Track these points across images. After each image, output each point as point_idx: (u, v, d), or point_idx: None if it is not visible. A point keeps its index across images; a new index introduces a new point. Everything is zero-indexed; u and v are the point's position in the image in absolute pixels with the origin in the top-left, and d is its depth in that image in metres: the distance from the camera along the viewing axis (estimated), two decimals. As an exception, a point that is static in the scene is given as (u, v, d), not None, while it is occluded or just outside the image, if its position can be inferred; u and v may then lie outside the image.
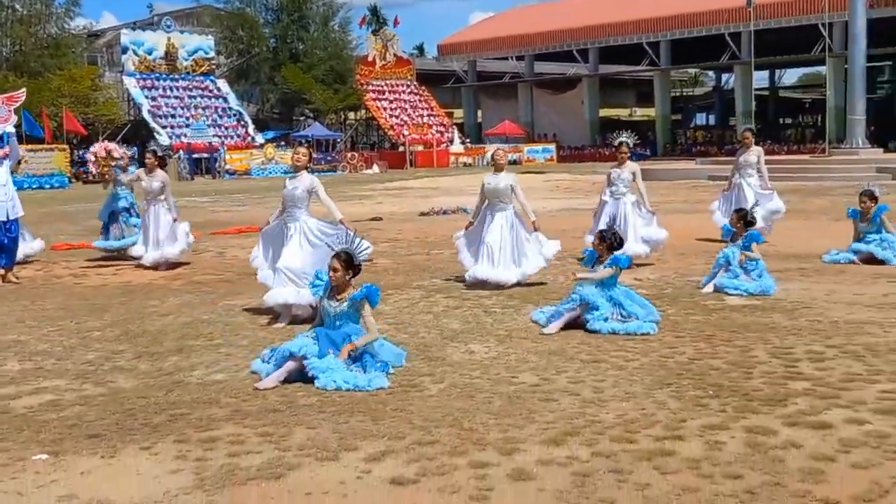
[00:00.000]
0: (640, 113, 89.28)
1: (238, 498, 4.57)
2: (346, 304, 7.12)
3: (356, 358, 6.81)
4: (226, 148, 49.91)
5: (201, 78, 56.53)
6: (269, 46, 62.10)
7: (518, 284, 10.72)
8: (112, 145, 14.23)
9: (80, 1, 54.03)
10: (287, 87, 59.12)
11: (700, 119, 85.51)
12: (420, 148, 60.28)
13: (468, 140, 64.05)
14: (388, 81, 64.54)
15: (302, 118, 66.68)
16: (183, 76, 55.49)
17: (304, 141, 51.90)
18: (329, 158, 53.25)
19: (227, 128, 54.37)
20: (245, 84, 62.34)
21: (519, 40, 67.46)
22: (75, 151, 45.73)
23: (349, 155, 55.14)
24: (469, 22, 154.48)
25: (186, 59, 56.07)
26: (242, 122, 55.51)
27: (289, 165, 49.93)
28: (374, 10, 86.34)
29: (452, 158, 59.65)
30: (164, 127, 51.25)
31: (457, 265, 12.18)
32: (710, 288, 10.10)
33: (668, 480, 4.68)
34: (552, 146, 62.74)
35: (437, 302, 10.00)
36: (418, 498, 4.56)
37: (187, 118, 52.89)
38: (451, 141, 62.24)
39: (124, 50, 53.88)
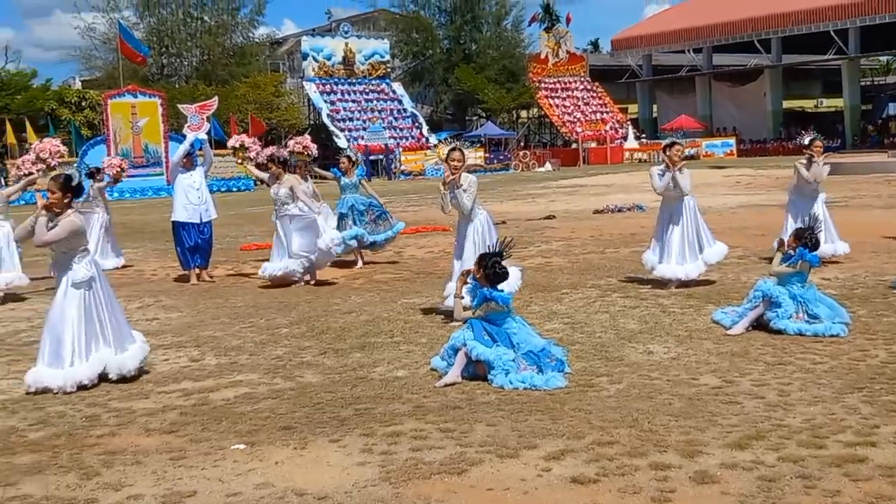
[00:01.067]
0: (827, 104, 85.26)
1: (423, 491, 4.71)
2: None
3: (532, 358, 6.85)
4: (401, 149, 50.99)
5: (377, 81, 57.95)
6: (443, 48, 62.95)
7: (695, 283, 10.50)
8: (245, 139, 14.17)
9: (264, 10, 56.37)
10: (460, 88, 59.78)
11: (893, 109, 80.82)
12: (593, 144, 59.69)
13: (644, 136, 62.89)
14: (560, 78, 64.23)
15: (474, 118, 67.28)
16: (360, 80, 57.05)
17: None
18: (501, 157, 53.51)
19: (401, 129, 55.53)
20: (419, 86, 63.46)
21: (696, 32, 65.66)
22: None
23: (521, 153, 55.23)
24: (643, 15, 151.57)
25: (363, 64, 57.61)
26: (417, 124, 56.55)
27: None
28: (546, 8, 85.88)
29: (627, 154, 58.79)
30: (342, 130, 52.86)
31: (633, 263, 12.06)
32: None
33: (859, 488, 4.50)
34: (732, 140, 60.72)
35: (613, 301, 9.92)
36: (599, 497, 4.57)
37: (364, 121, 54.33)
38: (626, 137, 61.30)
39: (304, 56, 55.91)
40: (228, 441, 5.71)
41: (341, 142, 50.74)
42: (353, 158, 14.90)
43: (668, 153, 10.77)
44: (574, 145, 59.44)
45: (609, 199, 24.72)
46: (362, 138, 51.68)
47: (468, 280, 7.37)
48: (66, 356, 7.05)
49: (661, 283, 10.57)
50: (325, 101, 54.57)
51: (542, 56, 64.44)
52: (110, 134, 41.01)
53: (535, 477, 4.85)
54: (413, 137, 54.97)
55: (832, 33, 58.33)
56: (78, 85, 54.75)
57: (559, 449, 5.23)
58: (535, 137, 67.13)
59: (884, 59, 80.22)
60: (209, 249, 13.43)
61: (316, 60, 55.85)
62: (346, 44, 57.15)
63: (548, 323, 8.82)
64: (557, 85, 63.90)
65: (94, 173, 15.36)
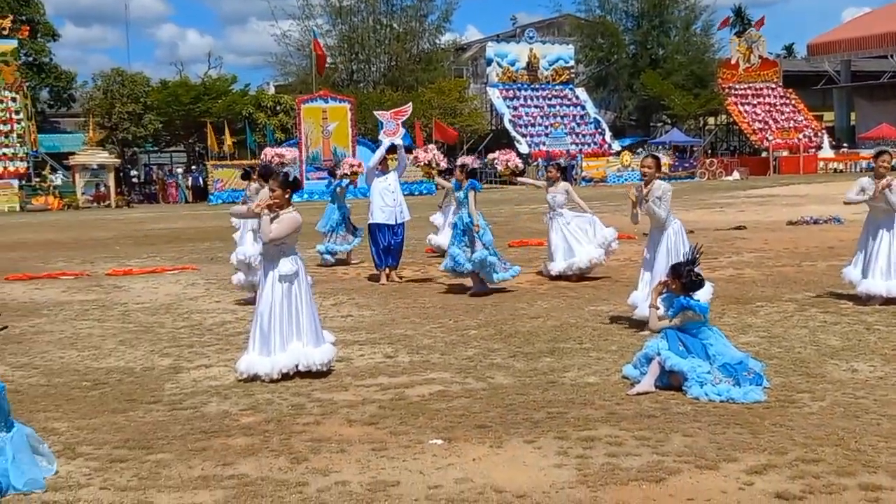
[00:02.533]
0: None
1: (621, 496, 4.71)
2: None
3: (729, 370, 6.69)
4: (583, 155, 50.70)
5: (560, 87, 57.81)
6: (629, 53, 62.16)
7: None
8: (281, 150, 14.54)
9: (451, 17, 57.30)
10: (645, 94, 58.86)
11: None
12: (785, 153, 57.51)
13: (845, 145, 60.04)
14: (751, 85, 62.15)
15: (659, 124, 66.07)
16: (543, 86, 57.08)
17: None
18: (687, 165, 52.32)
19: (584, 135, 55.15)
20: (602, 91, 62.89)
21: (900, 36, 62.12)
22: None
23: (708, 161, 53.82)
24: (842, 19, 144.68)
25: (547, 69, 57.62)
26: (600, 130, 56.04)
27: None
28: (738, 11, 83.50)
29: (821, 164, 56.35)
30: (523, 136, 53.06)
31: (833, 278, 11.58)
32: None
33: None
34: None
35: (812, 316, 9.56)
36: (805, 516, 4.44)
37: (546, 127, 54.34)
38: (820, 146, 58.72)
39: (489, 62, 56.45)
40: (426, 436, 5.88)
41: (522, 147, 50.94)
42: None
43: (875, 163, 10.30)
44: (764, 154, 57.45)
45: (803, 210, 23.75)
46: (544, 144, 51.75)
47: (663, 290, 7.28)
48: (272, 345, 7.44)
49: (864, 300, 10.09)
50: (508, 107, 54.91)
51: (733, 61, 62.52)
52: (302, 137, 42.74)
53: (737, 490, 4.75)
54: (595, 143, 54.54)
55: None
56: (272, 90, 57.30)
57: (761, 463, 5.11)
58: (722, 145, 65.28)
59: None
60: (400, 251, 13.85)
61: (500, 66, 56.27)
62: (531, 49, 57.31)
63: (742, 336, 8.60)
64: (748, 91, 61.87)
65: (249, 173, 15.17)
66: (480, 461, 5.35)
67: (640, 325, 9.22)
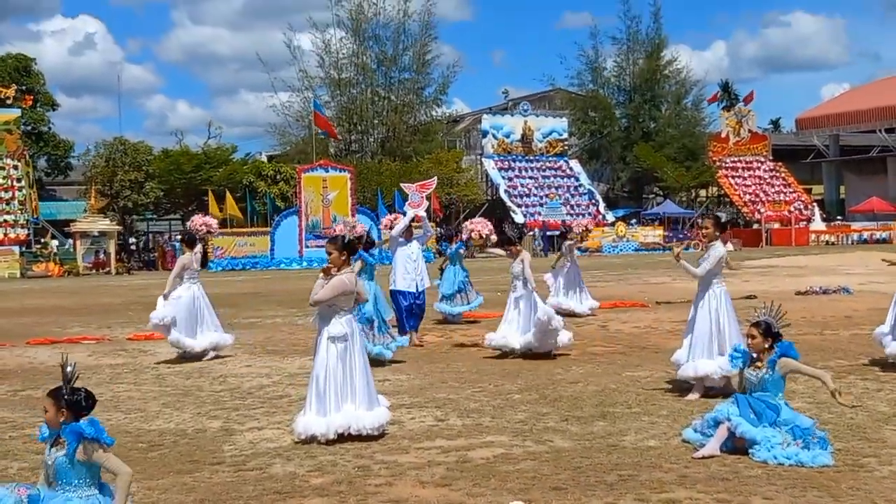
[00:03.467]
0: None
1: (724, 557, 4.72)
2: (764, 370, 7.12)
3: (798, 433, 6.74)
4: (591, 227, 51.09)
5: (554, 158, 58.55)
6: (621, 126, 63.12)
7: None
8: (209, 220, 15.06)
9: (447, 90, 58.18)
10: (638, 166, 59.65)
11: None
12: (776, 225, 58.12)
13: (839, 217, 60.74)
14: (742, 158, 63.14)
15: (651, 196, 66.80)
16: (537, 157, 57.81)
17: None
18: (681, 236, 52.72)
19: (578, 206, 55.69)
20: (596, 163, 63.69)
21: (888, 112, 63.34)
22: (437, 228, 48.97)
23: (700, 232, 54.31)
24: (821, 95, 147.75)
25: (541, 141, 58.41)
26: (593, 201, 56.64)
27: (639, 243, 50.59)
28: (725, 86, 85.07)
29: (813, 237, 56.89)
30: (518, 206, 53.55)
31: (859, 346, 11.68)
32: None
33: None
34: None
35: (853, 383, 9.63)
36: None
37: (541, 197, 54.89)
38: (811, 219, 59.39)
39: (484, 134, 57.22)
40: (503, 497, 5.88)
41: (518, 217, 51.41)
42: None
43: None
44: (756, 226, 58.02)
45: (808, 280, 23.93)
46: (539, 214, 52.17)
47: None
48: (327, 406, 7.45)
49: (892, 361, 10.19)
50: (504, 178, 55.52)
51: (723, 135, 63.62)
52: (302, 205, 42.99)
53: (837, 551, 4.77)
54: (590, 214, 54.92)
55: None
56: (263, 159, 57.73)
57: (852, 525, 5.13)
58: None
59: None
60: (422, 315, 14.15)
61: (495, 137, 57.05)
62: (525, 122, 58.18)
63: (790, 402, 8.63)
64: (738, 164, 62.83)
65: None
66: (569, 522, 5.36)
67: (684, 389, 9.28)
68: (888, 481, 6.06)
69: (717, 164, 61.36)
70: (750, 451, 6.74)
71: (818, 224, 58.83)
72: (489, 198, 56.57)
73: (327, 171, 43.97)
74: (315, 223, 43.09)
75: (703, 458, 6.73)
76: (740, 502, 5.66)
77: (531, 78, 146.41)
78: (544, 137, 58.65)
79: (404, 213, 14.62)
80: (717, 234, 9.58)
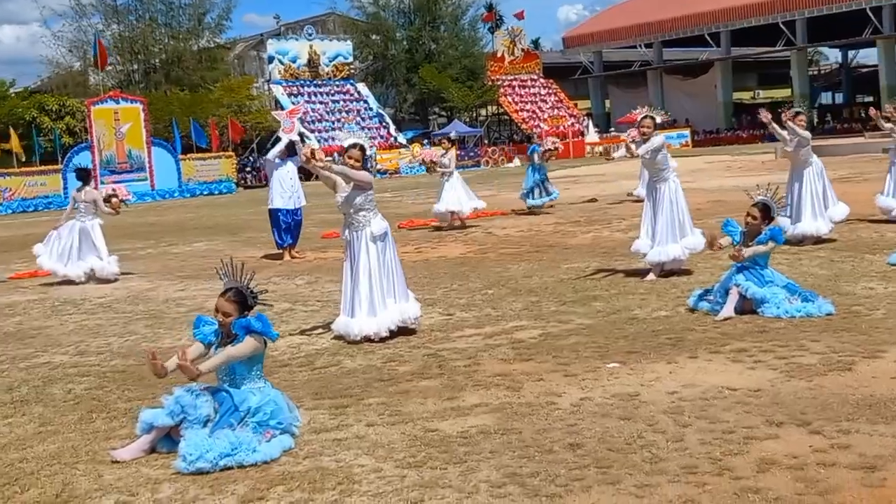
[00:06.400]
0: (763, 95, 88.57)
1: (841, 381, 5.59)
2: (755, 246, 8.06)
3: (793, 290, 7.76)
4: (376, 148, 51.59)
5: (342, 82, 58.40)
6: (404, 48, 63.63)
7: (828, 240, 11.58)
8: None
9: (231, 15, 56.40)
10: (424, 87, 60.55)
11: (826, 98, 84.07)
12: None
13: (612, 129, 64.44)
14: (517, 76, 65.55)
15: (434, 116, 68.17)
16: (325, 81, 57.46)
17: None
18: (472, 154, 54.47)
19: (370, 129, 56.03)
20: (381, 87, 64.02)
21: (647, 28, 67.55)
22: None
23: (490, 150, 56.30)
24: (556, 16, 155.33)
25: (328, 66, 58.02)
26: (384, 124, 57.16)
27: (412, 162, 51.77)
28: (489, 7, 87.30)
29: (588, 149, 60.25)
30: (312, 131, 53.21)
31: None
32: None
33: None
34: (686, 132, 62.66)
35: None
36: None
37: (333, 122, 54.78)
38: (584, 132, 62.80)
39: (270, 59, 56.05)
40: (593, 363, 6.51)
41: (314, 143, 51.13)
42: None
43: (794, 120, 11.84)
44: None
45: (617, 185, 25.82)
46: (337, 139, 52.12)
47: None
48: (377, 305, 7.83)
49: (798, 241, 11.57)
50: (294, 104, 54.79)
51: (499, 55, 65.65)
52: (94, 140, 40.80)
53: (922, 366, 5.76)
54: (382, 137, 55.58)
55: (781, 25, 60.61)
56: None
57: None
58: (494, 135, 68.27)
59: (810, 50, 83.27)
60: (299, 231, 14.89)
61: (282, 63, 56.08)
62: (311, 46, 57.46)
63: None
64: (515, 82, 65.18)
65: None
66: (680, 373, 6.07)
67: (637, 273, 10.20)
68: (891, 320, 7.17)
69: (496, 83, 63.40)
70: (759, 309, 7.70)
71: (592, 136, 62.25)
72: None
73: (118, 103, 41.72)
74: (110, 158, 41.08)
75: (725, 319, 7.63)
76: (801, 345, 6.55)
77: (312, 2, 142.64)
78: (330, 62, 58.21)
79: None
80: (655, 130, 10.39)
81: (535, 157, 20.21)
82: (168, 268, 14.27)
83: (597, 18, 77.18)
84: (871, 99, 66.77)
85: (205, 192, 42.75)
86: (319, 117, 55.08)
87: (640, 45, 70.10)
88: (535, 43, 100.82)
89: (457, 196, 17.81)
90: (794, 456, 4.40)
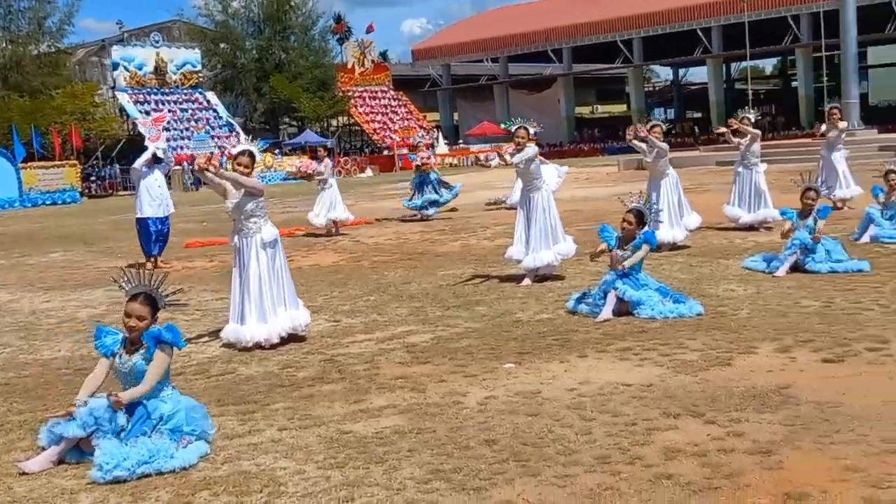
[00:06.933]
0: (601, 109, 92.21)
1: (724, 375, 6.01)
2: (629, 251, 8.52)
3: (664, 293, 8.25)
4: (226, 157, 50.69)
5: (190, 91, 57.20)
6: (254, 57, 62.79)
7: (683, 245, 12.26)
8: None
9: (73, 20, 54.27)
10: (275, 97, 59.94)
11: (659, 113, 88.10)
12: (405, 151, 61.56)
13: (461, 141, 65.54)
14: (368, 87, 65.85)
15: (284, 126, 67.57)
16: (173, 90, 56.14)
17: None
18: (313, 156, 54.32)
19: (220, 138, 55.05)
20: (230, 95, 62.98)
21: (493, 43, 69.16)
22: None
23: (343, 160, 56.25)
24: (401, 29, 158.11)
25: (175, 73, 56.69)
26: (234, 133, 56.22)
27: (288, 173, 51.24)
28: (337, 19, 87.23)
29: (438, 160, 61.01)
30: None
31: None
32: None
33: None
34: (532, 144, 64.24)
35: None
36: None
37: (181, 130, 53.58)
38: (433, 144, 63.55)
39: (115, 66, 54.37)
40: (490, 363, 6.74)
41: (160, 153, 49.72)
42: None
43: (651, 132, 12.50)
44: (386, 152, 61.07)
45: (476, 195, 26.34)
46: (187, 147, 50.98)
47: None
48: (267, 312, 7.85)
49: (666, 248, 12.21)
50: (140, 112, 53.28)
51: (349, 66, 65.79)
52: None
53: (789, 362, 6.25)
54: (232, 146, 54.64)
55: (619, 43, 63.23)
56: None
57: (777, 346, 6.67)
58: (345, 145, 68.24)
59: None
60: (167, 240, 14.79)
61: (127, 70, 54.46)
62: (157, 53, 56.06)
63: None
64: (365, 94, 65.47)
65: None
66: (574, 371, 6.37)
67: (511, 279, 10.55)
68: (755, 319, 7.72)
69: (347, 94, 63.46)
70: (635, 311, 8.14)
71: (442, 148, 63.14)
72: (130, 132, 54.10)
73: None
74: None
75: (604, 321, 8.02)
76: (680, 343, 6.97)
77: (158, 8, 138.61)
78: (178, 69, 56.93)
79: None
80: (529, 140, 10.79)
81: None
82: (27, 279, 13.72)
83: (445, 32, 78.39)
84: (699, 115, 70.71)
85: (48, 202, 40.99)
86: (166, 126, 53.66)
87: (487, 60, 71.69)
88: (384, 55, 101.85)
89: (335, 203, 18.14)
90: (696, 444, 4.74)
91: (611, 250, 8.59)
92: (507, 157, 10.50)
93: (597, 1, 65.52)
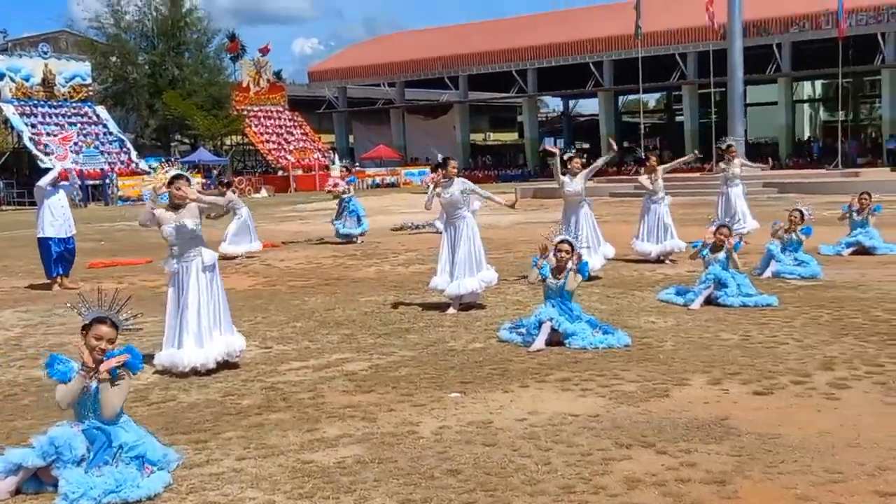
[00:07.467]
0: (494, 137, 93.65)
1: (664, 406, 6.27)
2: (563, 280, 8.79)
3: (594, 324, 8.54)
4: (116, 174, 49.51)
5: (79, 104, 55.66)
6: (146, 73, 61.57)
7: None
8: None
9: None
10: (168, 113, 58.85)
11: (549, 142, 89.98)
12: (300, 172, 61.19)
13: (357, 164, 65.42)
14: (263, 107, 65.29)
15: (176, 143, 66.33)
16: (61, 103, 54.54)
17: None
18: (216, 184, 53.45)
19: (109, 154, 53.76)
20: (121, 110, 61.56)
21: (390, 67, 69.48)
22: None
23: (237, 179, 55.49)
24: (291, 50, 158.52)
25: (64, 86, 55.11)
26: (125, 149, 55.01)
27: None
28: (231, 37, 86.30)
29: (332, 182, 60.79)
30: (47, 154, 50.21)
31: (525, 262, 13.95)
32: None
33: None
34: (427, 169, 64.78)
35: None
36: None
37: (70, 146, 51.97)
38: (328, 166, 63.32)
39: (1, 76, 52.54)
40: (432, 393, 6.86)
41: (47, 166, 48.26)
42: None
43: (571, 162, 12.93)
44: (282, 172, 60.59)
45: (374, 220, 26.51)
46: (77, 162, 49.48)
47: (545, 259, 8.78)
48: (203, 336, 7.80)
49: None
50: (27, 124, 51.62)
51: (244, 84, 65.13)
52: None
53: (721, 394, 6.57)
54: (122, 163, 53.46)
55: (514, 73, 64.41)
56: None
57: (706, 378, 6.99)
58: (239, 164, 67.40)
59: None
60: (72, 260, 14.58)
61: (13, 81, 52.67)
62: (46, 64, 54.41)
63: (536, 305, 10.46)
64: (261, 113, 64.88)
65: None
66: (519, 401, 6.54)
67: (435, 307, 10.70)
68: (681, 351, 8.05)
69: (242, 112, 62.79)
70: (566, 341, 8.39)
71: (337, 170, 63.02)
72: (15, 145, 52.25)
73: None
74: None
75: (538, 351, 8.23)
76: (616, 374, 7.23)
77: (45, 17, 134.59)
78: (67, 82, 55.35)
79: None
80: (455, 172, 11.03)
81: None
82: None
83: (342, 55, 78.34)
84: (587, 145, 72.50)
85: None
86: (54, 140, 52.05)
87: (384, 84, 71.95)
88: (278, 75, 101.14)
89: (245, 232, 18.18)
90: (653, 474, 4.96)
91: (543, 279, 8.83)
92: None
93: (493, 31, 66.70)
